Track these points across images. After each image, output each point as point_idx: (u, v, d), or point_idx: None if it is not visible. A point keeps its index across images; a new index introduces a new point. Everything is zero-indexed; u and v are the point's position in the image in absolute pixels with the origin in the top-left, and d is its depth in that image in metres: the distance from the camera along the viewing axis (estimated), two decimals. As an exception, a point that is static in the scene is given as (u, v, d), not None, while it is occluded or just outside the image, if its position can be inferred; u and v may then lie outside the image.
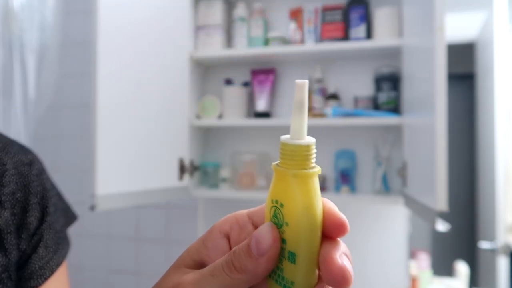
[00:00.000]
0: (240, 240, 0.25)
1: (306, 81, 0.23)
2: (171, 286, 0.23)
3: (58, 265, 0.39)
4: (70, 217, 0.45)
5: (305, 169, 0.23)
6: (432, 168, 0.79)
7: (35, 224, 0.37)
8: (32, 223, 0.37)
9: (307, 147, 0.23)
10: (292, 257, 0.23)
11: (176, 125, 1.27)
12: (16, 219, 0.36)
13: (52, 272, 0.38)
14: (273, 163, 0.24)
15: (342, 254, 0.21)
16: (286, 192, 0.23)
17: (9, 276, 0.35)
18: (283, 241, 0.23)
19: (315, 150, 0.24)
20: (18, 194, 0.36)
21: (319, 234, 0.23)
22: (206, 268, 0.23)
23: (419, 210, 0.93)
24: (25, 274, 0.37)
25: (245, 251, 0.22)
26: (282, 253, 0.23)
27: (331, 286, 0.21)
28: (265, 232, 0.21)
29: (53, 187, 0.43)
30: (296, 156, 0.23)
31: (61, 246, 0.40)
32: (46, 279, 0.37)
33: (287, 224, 0.23)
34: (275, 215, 0.23)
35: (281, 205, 0.23)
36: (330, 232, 0.22)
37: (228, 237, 0.25)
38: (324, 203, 0.23)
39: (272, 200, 0.23)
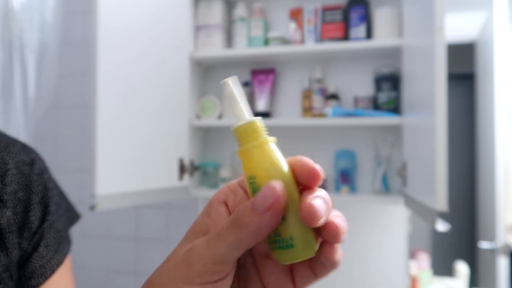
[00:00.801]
0: (236, 204, 0.27)
1: (230, 78, 0.27)
2: (183, 253, 0.24)
3: (59, 264, 0.39)
4: (72, 216, 0.45)
5: (259, 140, 0.26)
6: (432, 168, 0.79)
7: (37, 223, 0.37)
8: (33, 222, 0.37)
9: (252, 123, 0.26)
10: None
11: (176, 125, 1.27)
12: (18, 218, 0.36)
13: (53, 271, 0.38)
14: (237, 151, 0.27)
15: (316, 197, 0.23)
16: (254, 165, 0.25)
17: (10, 275, 0.35)
18: None
19: (262, 125, 0.27)
20: (20, 194, 0.36)
21: (294, 187, 0.25)
22: (213, 230, 0.24)
23: (419, 210, 0.93)
24: (26, 273, 0.37)
25: (249, 208, 0.23)
26: None
27: (305, 223, 0.23)
28: (270, 189, 0.23)
29: (55, 186, 0.43)
30: (247, 134, 0.26)
31: (62, 245, 0.40)
32: (47, 278, 0.38)
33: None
34: (252, 191, 0.25)
35: (254, 177, 0.25)
36: (306, 182, 0.24)
37: (226, 204, 0.27)
38: (296, 158, 0.26)
39: (248, 181, 0.26)
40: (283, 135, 1.41)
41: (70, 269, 0.42)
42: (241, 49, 1.35)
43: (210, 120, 1.36)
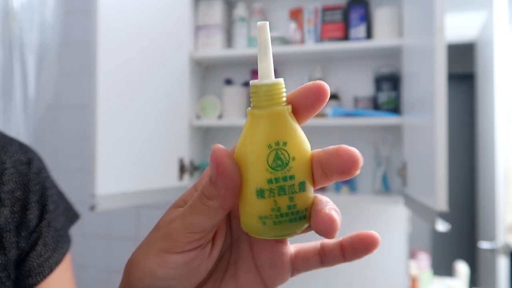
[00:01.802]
0: None
1: (267, 22, 0.24)
2: (166, 222, 0.24)
3: (57, 262, 0.39)
4: (71, 216, 0.45)
5: (284, 105, 0.24)
6: (432, 168, 0.79)
7: (34, 222, 0.37)
8: (31, 221, 0.37)
9: (279, 84, 0.23)
10: (303, 186, 0.24)
11: (176, 125, 1.27)
12: (16, 217, 0.36)
13: (51, 269, 0.38)
14: (248, 109, 0.24)
15: (331, 209, 0.23)
16: (286, 130, 0.24)
17: (8, 275, 0.35)
18: (291, 177, 0.23)
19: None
20: (18, 193, 0.36)
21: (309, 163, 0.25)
22: (188, 202, 0.25)
23: (419, 210, 0.93)
24: (23, 272, 0.36)
25: (209, 179, 0.23)
26: (292, 189, 0.23)
27: (321, 233, 0.23)
28: (215, 158, 0.22)
29: (54, 185, 0.43)
30: (272, 95, 0.23)
31: (61, 244, 0.40)
32: (44, 276, 0.37)
33: (293, 159, 0.24)
34: (277, 158, 0.23)
35: (284, 144, 0.24)
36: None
37: None
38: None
39: (269, 145, 0.23)
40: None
41: (70, 268, 0.41)
42: (241, 49, 1.35)
43: (210, 120, 1.36)
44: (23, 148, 0.39)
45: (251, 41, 1.36)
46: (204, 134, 1.49)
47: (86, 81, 1.57)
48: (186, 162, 1.30)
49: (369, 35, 1.27)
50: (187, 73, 1.32)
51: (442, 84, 0.77)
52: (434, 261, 1.45)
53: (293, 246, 0.27)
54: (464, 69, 1.54)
